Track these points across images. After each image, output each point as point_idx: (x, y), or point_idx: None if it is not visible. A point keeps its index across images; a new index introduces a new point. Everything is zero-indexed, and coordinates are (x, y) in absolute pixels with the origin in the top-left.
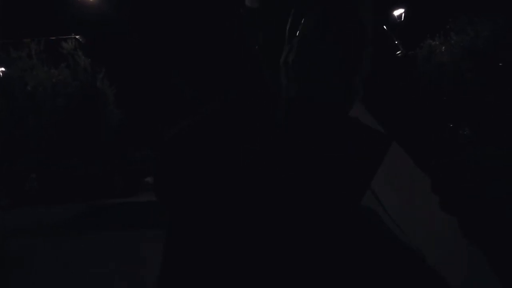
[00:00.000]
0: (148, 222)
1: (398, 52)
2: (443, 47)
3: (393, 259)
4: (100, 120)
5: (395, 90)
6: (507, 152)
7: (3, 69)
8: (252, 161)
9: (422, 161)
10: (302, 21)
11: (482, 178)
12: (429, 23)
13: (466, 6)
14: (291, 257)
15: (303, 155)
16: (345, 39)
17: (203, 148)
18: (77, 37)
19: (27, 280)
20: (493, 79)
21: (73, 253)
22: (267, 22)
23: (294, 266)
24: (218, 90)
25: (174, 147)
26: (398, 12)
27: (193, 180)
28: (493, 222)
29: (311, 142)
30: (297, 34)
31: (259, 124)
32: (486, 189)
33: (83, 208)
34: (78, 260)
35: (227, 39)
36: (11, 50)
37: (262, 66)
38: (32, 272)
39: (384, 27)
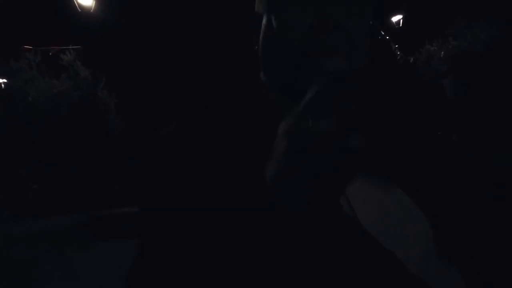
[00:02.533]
0: None
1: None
2: (442, 52)
3: (366, 265)
4: (101, 129)
5: (393, 94)
6: (501, 155)
7: (5, 80)
8: (249, 165)
9: (415, 164)
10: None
11: (474, 181)
12: (427, 29)
13: (464, 10)
14: (274, 260)
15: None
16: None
17: (191, 149)
18: (73, 47)
19: None
20: (489, 81)
21: (75, 263)
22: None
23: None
24: (215, 93)
25: (162, 147)
26: (396, 18)
27: (178, 180)
28: (486, 223)
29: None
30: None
31: (256, 127)
32: (479, 191)
33: (85, 218)
34: (80, 270)
35: (225, 41)
36: (12, 62)
37: (259, 67)
38: (34, 281)
39: (382, 33)
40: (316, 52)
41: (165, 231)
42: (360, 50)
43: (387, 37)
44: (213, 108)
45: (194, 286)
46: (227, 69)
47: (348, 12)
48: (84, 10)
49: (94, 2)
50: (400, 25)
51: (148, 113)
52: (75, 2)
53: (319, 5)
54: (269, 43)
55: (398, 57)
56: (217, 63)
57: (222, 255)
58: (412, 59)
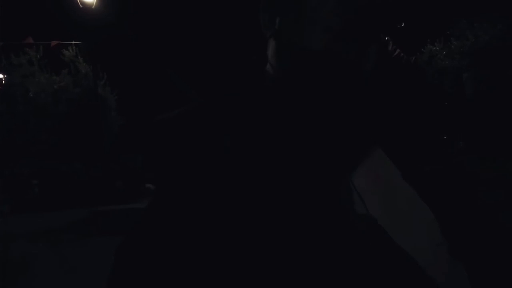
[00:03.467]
0: None
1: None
2: (444, 52)
3: (375, 261)
4: (101, 126)
5: (397, 95)
6: (501, 160)
7: (5, 75)
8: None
9: (415, 168)
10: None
11: (475, 185)
12: (429, 29)
13: (466, 10)
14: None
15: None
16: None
17: (190, 135)
18: (77, 43)
19: (29, 286)
20: (492, 83)
21: (75, 259)
22: (286, 7)
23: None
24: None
25: (161, 131)
26: None
27: (178, 164)
28: (486, 228)
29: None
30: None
31: (252, 119)
32: (480, 196)
33: (85, 214)
34: (80, 266)
35: (227, 39)
36: (13, 57)
37: (275, 52)
38: (34, 278)
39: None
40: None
41: (164, 221)
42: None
43: (387, 38)
44: (216, 103)
45: (194, 280)
46: (230, 69)
47: None
48: (85, 6)
49: None
50: (402, 25)
51: (149, 111)
52: None
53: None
54: (288, 32)
55: (400, 57)
56: (220, 62)
57: (220, 247)
58: (413, 58)
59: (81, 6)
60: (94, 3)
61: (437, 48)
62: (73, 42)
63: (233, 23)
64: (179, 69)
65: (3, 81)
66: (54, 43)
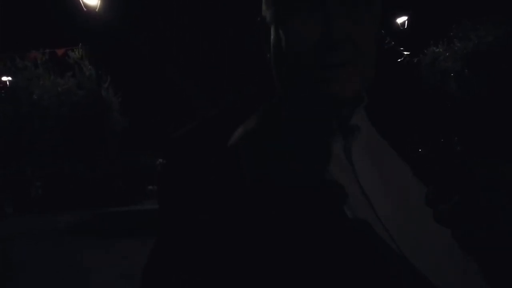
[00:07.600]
0: (151, 230)
1: (401, 59)
2: (447, 54)
3: (380, 268)
4: (104, 128)
5: (397, 96)
6: (504, 163)
7: (10, 78)
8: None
9: (416, 169)
10: None
11: (476, 188)
12: (432, 30)
13: (469, 12)
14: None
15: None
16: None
17: (205, 150)
18: (81, 47)
19: (30, 286)
20: (495, 84)
21: (77, 260)
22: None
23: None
24: (225, 94)
25: (178, 148)
26: (401, 19)
27: (193, 182)
28: (488, 232)
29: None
30: None
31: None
32: (481, 199)
33: (87, 215)
34: (82, 268)
35: (235, 45)
36: (17, 60)
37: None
38: (36, 279)
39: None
40: (328, 65)
41: (180, 230)
42: (370, 59)
43: (389, 39)
44: (230, 109)
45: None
46: (237, 73)
47: (356, 23)
48: (89, 9)
49: (99, 2)
50: (405, 27)
51: (156, 114)
52: (81, 2)
53: (326, 19)
54: (279, 54)
55: (402, 58)
56: (226, 66)
57: (235, 255)
58: (416, 60)
59: (85, 9)
60: (98, 6)
61: (440, 50)
62: (79, 46)
63: (239, 25)
64: (184, 71)
65: (8, 84)
66: (60, 52)
